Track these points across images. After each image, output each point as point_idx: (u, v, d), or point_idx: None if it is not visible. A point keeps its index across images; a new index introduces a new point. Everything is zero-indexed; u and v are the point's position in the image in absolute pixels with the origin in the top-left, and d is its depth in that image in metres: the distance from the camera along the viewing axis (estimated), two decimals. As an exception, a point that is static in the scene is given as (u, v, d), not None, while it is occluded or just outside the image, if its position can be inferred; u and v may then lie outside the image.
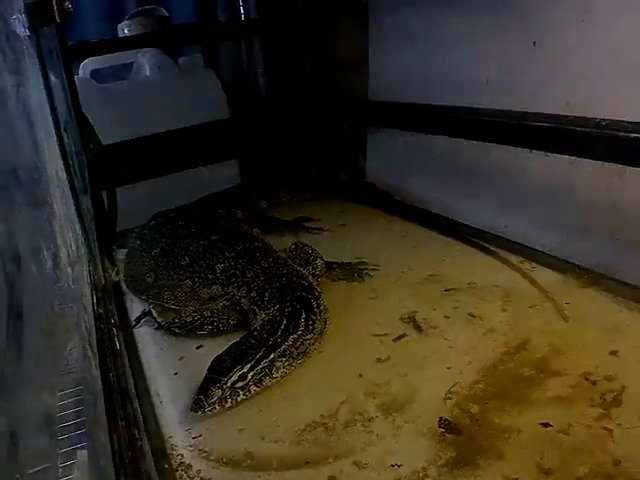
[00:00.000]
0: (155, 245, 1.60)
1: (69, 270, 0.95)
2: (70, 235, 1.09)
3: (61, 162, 1.21)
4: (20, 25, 0.88)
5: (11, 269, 0.59)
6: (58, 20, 0.99)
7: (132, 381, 1.18)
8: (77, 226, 1.27)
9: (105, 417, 0.89)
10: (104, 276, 1.53)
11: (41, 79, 1.12)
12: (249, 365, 1.08)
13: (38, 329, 0.67)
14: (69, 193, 1.28)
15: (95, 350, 0.99)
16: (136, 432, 0.95)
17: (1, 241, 0.61)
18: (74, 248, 1.10)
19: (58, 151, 1.22)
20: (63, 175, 1.22)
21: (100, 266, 1.52)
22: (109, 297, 1.46)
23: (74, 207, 1.31)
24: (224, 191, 2.14)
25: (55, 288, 0.80)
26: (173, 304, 1.43)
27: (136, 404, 1.07)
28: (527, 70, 1.47)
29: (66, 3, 1.01)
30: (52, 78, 1.27)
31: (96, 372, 0.95)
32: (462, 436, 0.96)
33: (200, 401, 1.03)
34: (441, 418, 1.01)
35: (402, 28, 1.96)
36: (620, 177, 1.29)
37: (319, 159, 2.38)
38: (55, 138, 1.21)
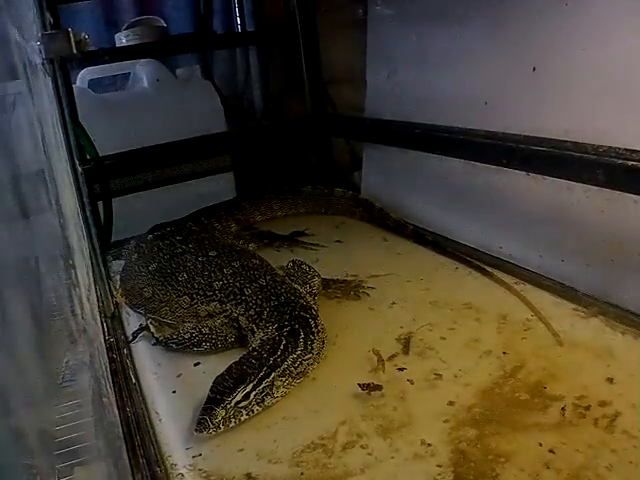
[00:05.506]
0: (153, 260, 1.60)
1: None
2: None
3: (71, 172, 1.22)
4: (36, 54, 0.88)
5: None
6: (75, 51, 0.99)
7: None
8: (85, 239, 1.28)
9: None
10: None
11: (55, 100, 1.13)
12: (252, 385, 1.08)
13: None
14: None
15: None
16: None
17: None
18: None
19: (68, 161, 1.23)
20: (72, 185, 1.24)
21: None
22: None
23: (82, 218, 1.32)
24: (219, 204, 2.15)
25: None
26: (171, 319, 1.43)
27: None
28: (526, 94, 1.49)
29: (83, 34, 1.01)
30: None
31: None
32: (459, 459, 0.97)
33: (204, 422, 1.03)
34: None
35: (401, 46, 1.98)
36: (617, 201, 1.31)
37: (314, 173, 2.39)
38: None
